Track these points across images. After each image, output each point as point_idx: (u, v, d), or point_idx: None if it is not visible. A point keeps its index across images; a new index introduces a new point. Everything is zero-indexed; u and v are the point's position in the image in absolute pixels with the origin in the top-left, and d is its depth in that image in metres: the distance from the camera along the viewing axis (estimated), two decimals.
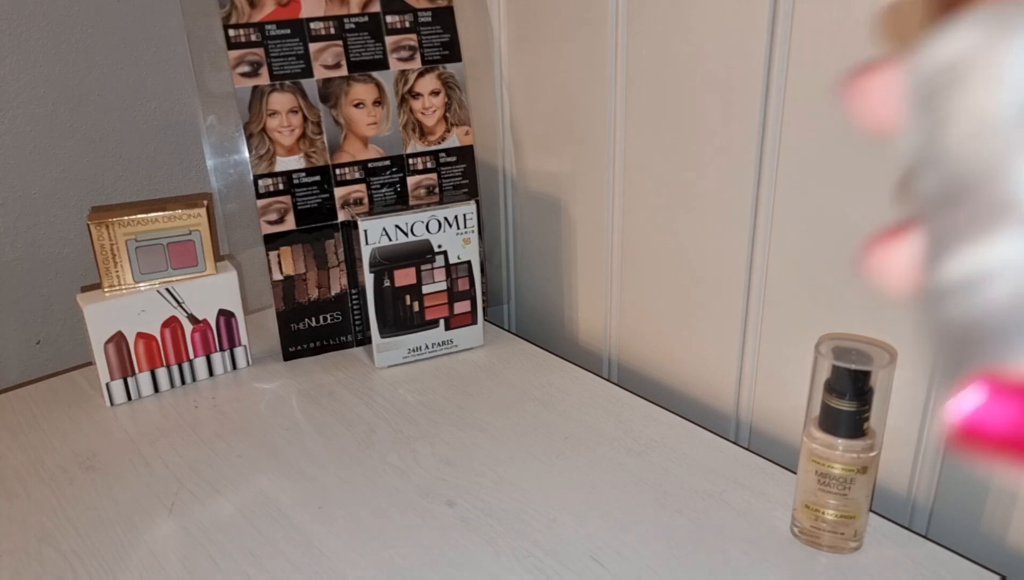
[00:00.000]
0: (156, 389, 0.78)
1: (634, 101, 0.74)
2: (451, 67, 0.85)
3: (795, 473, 0.62)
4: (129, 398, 0.76)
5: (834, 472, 0.54)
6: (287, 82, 0.79)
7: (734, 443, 0.68)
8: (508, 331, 0.89)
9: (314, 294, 0.83)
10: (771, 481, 0.63)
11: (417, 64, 0.84)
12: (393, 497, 0.62)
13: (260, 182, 0.79)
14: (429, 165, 0.85)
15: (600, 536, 0.57)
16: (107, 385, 0.75)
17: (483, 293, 0.86)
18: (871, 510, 0.57)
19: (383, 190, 0.84)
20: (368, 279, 0.79)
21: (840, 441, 0.53)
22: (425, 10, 0.84)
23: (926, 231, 0.14)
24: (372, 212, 0.81)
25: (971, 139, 0.14)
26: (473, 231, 0.81)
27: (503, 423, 0.71)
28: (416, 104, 0.84)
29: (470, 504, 0.61)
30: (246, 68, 0.77)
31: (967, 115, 0.14)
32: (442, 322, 0.83)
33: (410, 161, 0.85)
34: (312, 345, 0.84)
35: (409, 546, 0.57)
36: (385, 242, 0.78)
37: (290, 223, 0.81)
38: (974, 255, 0.13)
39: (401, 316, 0.81)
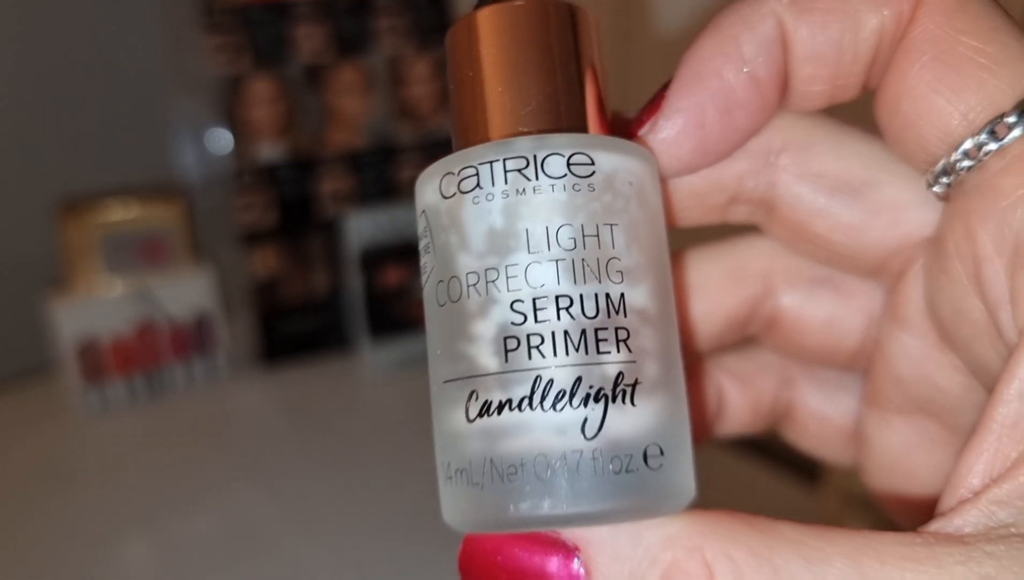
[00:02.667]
0: (129, 396, 0.76)
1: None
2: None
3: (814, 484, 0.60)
4: (101, 406, 0.75)
5: (857, 489, 0.52)
6: (270, 68, 0.78)
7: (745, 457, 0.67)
8: None
9: (298, 295, 0.82)
10: (788, 499, 0.61)
11: (411, 47, 0.82)
12: (383, 515, 0.61)
13: (240, 175, 0.77)
14: (423, 155, 0.84)
15: None
16: (77, 392, 0.74)
17: None
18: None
19: (372, 182, 0.82)
20: (356, 278, 0.78)
21: None
22: None
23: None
24: (360, 206, 0.80)
25: (451, 278, 0.15)
26: None
27: None
28: (409, 90, 0.83)
29: None
30: (226, 53, 0.76)
31: (445, 257, 0.15)
32: None
33: (402, 151, 0.83)
34: (296, 350, 0.82)
35: (400, 567, 0.56)
36: (375, 238, 0.77)
37: (272, 218, 0.79)
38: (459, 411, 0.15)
39: (392, 319, 0.80)
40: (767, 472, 0.66)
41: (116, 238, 0.74)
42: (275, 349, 0.81)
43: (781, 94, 0.17)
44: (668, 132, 0.17)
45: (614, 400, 0.14)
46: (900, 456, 0.20)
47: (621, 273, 0.15)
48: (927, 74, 0.15)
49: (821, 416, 0.22)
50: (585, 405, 0.14)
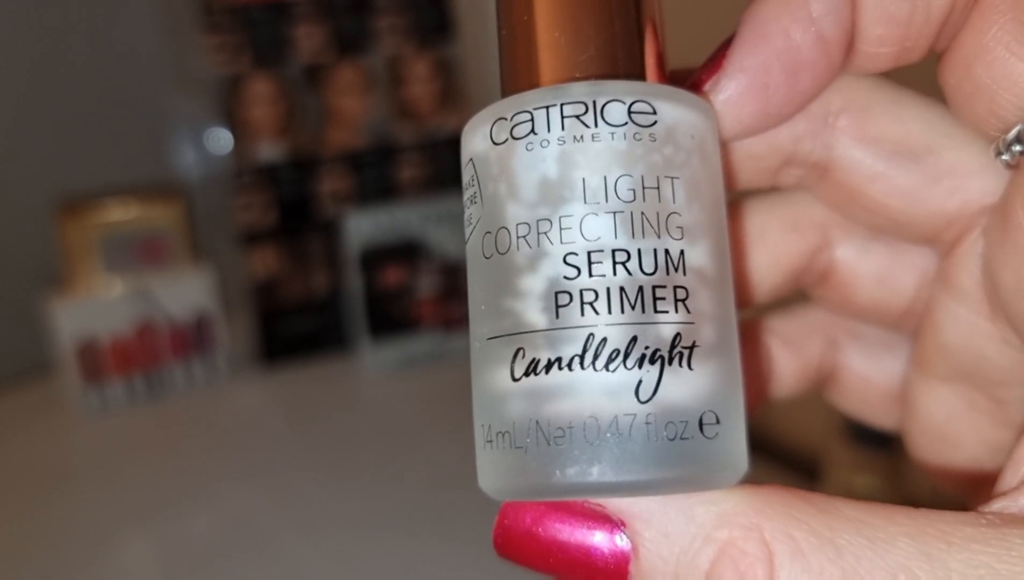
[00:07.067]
0: (129, 396, 0.77)
1: None
2: (448, 49, 0.84)
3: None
4: (100, 406, 0.76)
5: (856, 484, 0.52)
6: (269, 67, 0.78)
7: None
8: None
9: (297, 295, 0.82)
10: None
11: (410, 46, 0.83)
12: (382, 515, 0.61)
13: (240, 174, 0.78)
14: (423, 155, 0.84)
15: None
16: (77, 392, 0.74)
17: None
18: None
19: (372, 182, 0.83)
20: (356, 278, 0.78)
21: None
22: None
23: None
24: (360, 206, 0.80)
25: (499, 230, 0.15)
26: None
27: None
28: (408, 90, 0.83)
29: (467, 526, 0.60)
30: (226, 53, 0.76)
31: (493, 207, 0.15)
32: (437, 326, 0.82)
33: (402, 150, 0.84)
34: (295, 350, 0.83)
35: (399, 566, 0.56)
36: (374, 238, 0.78)
37: (271, 218, 0.80)
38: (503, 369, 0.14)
39: (392, 319, 0.80)
40: (767, 471, 0.66)
41: (115, 238, 0.75)
42: (274, 349, 0.82)
43: (847, 56, 0.17)
44: (730, 92, 0.16)
45: (670, 362, 0.14)
46: (945, 424, 0.19)
47: (681, 229, 0.14)
48: (1005, 36, 0.15)
49: (866, 378, 0.22)
50: (640, 366, 0.13)
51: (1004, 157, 0.16)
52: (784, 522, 0.13)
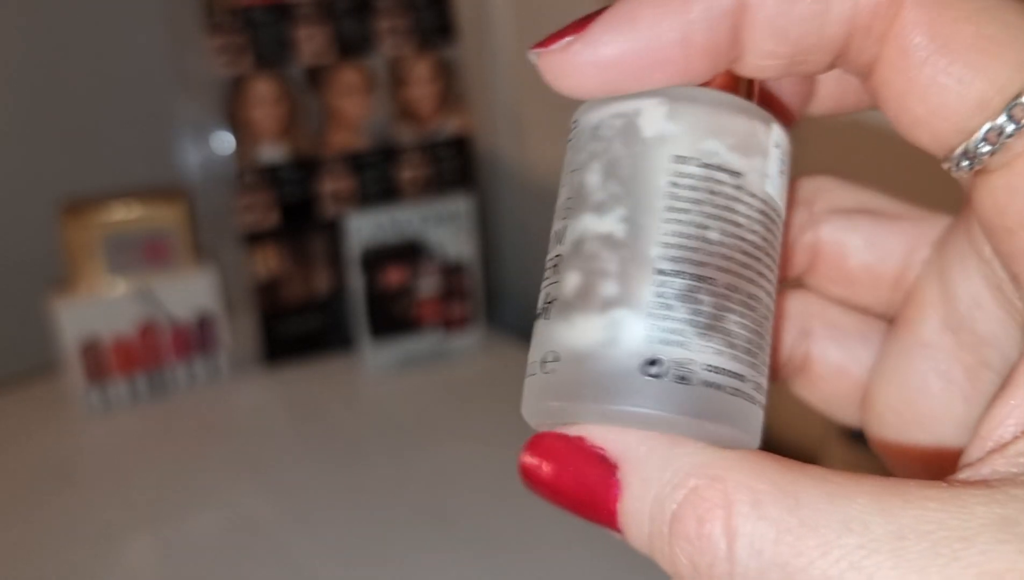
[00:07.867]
0: (131, 396, 0.77)
1: None
2: (449, 50, 0.84)
3: None
4: (103, 405, 0.76)
5: None
6: (271, 69, 0.78)
7: None
8: (510, 336, 0.88)
9: (299, 295, 0.82)
10: None
11: (411, 48, 0.83)
12: (383, 515, 0.62)
13: (242, 175, 0.78)
14: (424, 156, 0.85)
15: (609, 556, 0.57)
16: (80, 392, 0.75)
17: (483, 294, 0.85)
18: None
19: (373, 182, 0.83)
20: (357, 278, 0.79)
21: None
22: None
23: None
24: (361, 206, 0.80)
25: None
26: (471, 227, 0.81)
27: (504, 435, 0.71)
28: (409, 91, 0.83)
29: (467, 524, 0.60)
30: (228, 54, 0.77)
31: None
32: (438, 326, 0.82)
33: (403, 151, 0.84)
34: (297, 350, 0.83)
35: (401, 566, 0.56)
36: (376, 238, 0.78)
37: (273, 219, 0.80)
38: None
39: (393, 319, 0.80)
40: None
41: (118, 238, 0.75)
42: (276, 349, 0.82)
43: (713, 63, 0.16)
44: (578, 59, 0.16)
45: (542, 317, 0.17)
46: (917, 397, 0.20)
47: (569, 210, 0.17)
48: (929, 69, 0.15)
49: (839, 370, 0.22)
50: (536, 320, 0.17)
51: (955, 172, 0.16)
52: (748, 475, 0.14)
